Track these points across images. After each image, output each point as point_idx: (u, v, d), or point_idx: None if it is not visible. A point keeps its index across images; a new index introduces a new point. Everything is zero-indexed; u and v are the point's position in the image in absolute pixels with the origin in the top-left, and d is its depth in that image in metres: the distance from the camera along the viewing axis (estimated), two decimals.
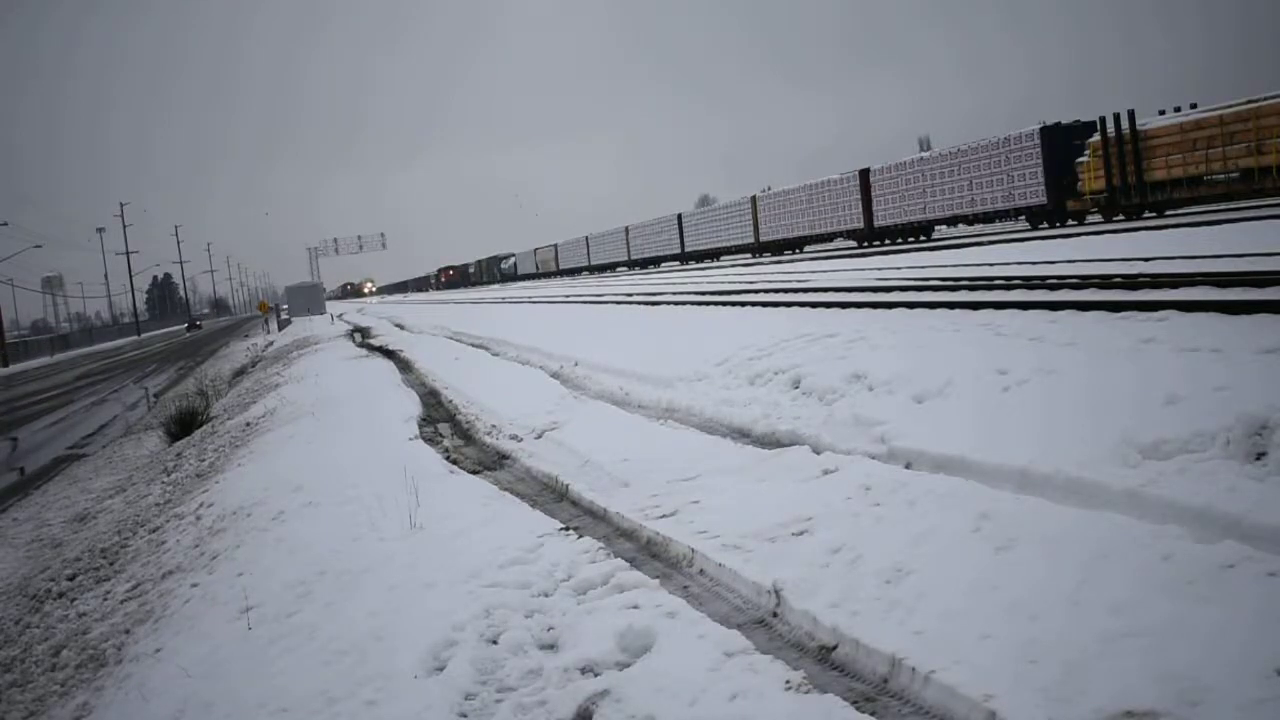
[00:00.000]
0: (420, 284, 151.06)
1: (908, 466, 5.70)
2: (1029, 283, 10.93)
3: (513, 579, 4.76)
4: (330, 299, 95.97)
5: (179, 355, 55.40)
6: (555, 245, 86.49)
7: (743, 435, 7.59)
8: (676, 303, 18.88)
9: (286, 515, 7.30)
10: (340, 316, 52.42)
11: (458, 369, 15.23)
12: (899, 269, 18.04)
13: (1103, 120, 28.13)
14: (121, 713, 4.96)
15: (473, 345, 19.75)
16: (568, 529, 5.52)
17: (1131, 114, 27.34)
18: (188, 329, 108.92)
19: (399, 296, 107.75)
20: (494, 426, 9.69)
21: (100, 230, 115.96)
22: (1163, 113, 27.35)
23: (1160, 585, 3.46)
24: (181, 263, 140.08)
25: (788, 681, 3.39)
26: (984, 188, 33.70)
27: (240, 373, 29.46)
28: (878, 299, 11.76)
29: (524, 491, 6.94)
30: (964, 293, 11.07)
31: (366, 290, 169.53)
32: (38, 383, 46.99)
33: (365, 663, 4.21)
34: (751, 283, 21.51)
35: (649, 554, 5.15)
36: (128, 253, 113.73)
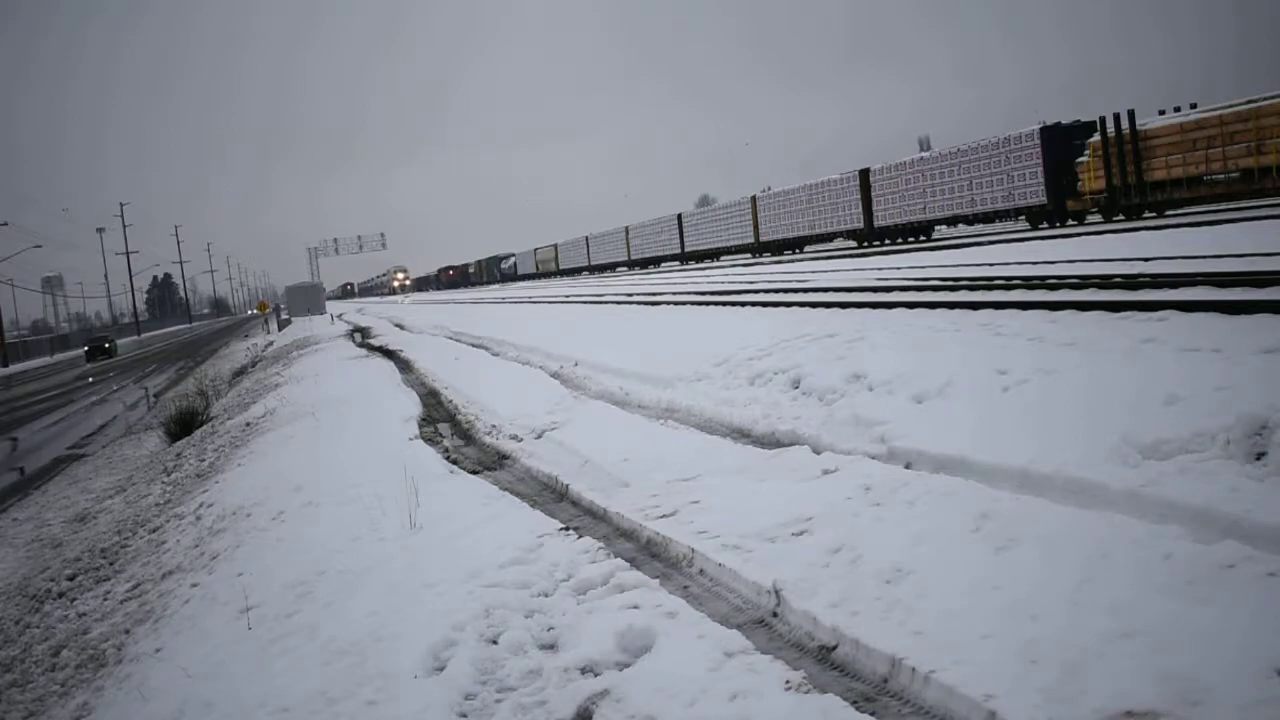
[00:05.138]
0: (421, 284, 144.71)
1: (908, 466, 5.70)
2: (1029, 283, 10.92)
3: (513, 579, 4.76)
4: (330, 299, 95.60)
5: (179, 355, 55.39)
6: (555, 245, 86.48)
7: (743, 435, 7.59)
8: (676, 303, 18.88)
9: (286, 515, 7.30)
10: (340, 316, 52.43)
11: (458, 369, 15.23)
12: (899, 269, 18.04)
13: (1103, 120, 28.12)
14: (121, 713, 4.96)
15: (473, 345, 19.75)
16: (568, 529, 5.52)
17: (1131, 114, 27.33)
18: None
19: (397, 297, 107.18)
20: (494, 426, 9.69)
21: (100, 230, 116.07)
22: (1163, 113, 27.35)
23: (1160, 585, 3.46)
24: (181, 263, 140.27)
25: (788, 681, 3.39)
26: (984, 188, 33.68)
27: (240, 373, 29.47)
28: (878, 299, 11.76)
29: (524, 491, 6.93)
30: (964, 293, 11.07)
31: (396, 284, 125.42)
32: (37, 383, 46.99)
33: (365, 663, 4.21)
34: (751, 283, 21.51)
35: (649, 554, 5.15)
36: (127, 253, 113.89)
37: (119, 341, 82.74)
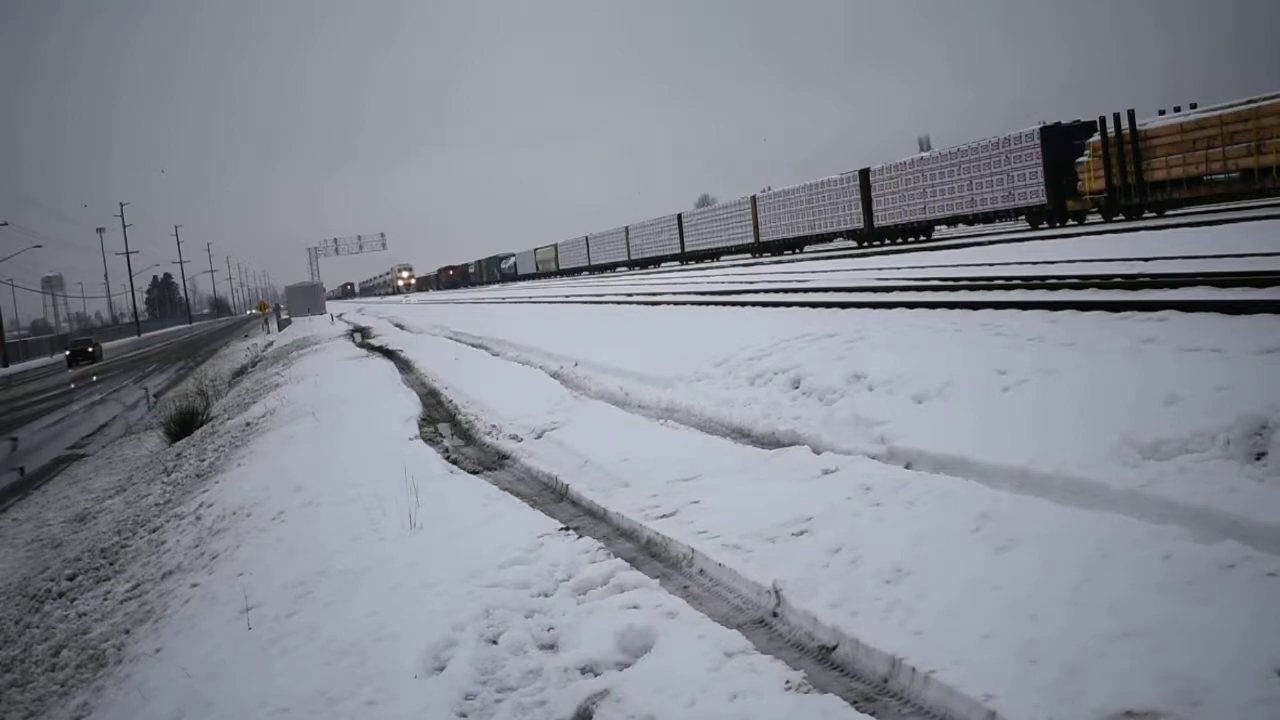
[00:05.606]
0: (421, 284, 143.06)
1: (908, 466, 5.70)
2: (1029, 283, 10.92)
3: (513, 579, 4.76)
4: (330, 299, 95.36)
5: (178, 356, 55.37)
6: (555, 245, 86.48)
7: (743, 435, 7.59)
8: (676, 303, 18.88)
9: (286, 515, 7.30)
10: (340, 317, 52.44)
11: (458, 369, 15.23)
12: (899, 269, 18.04)
13: (1103, 120, 28.12)
14: (121, 713, 4.96)
15: (472, 345, 19.75)
16: (568, 529, 5.52)
17: (1131, 114, 27.34)
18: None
19: (400, 297, 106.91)
20: (494, 426, 9.69)
21: (100, 230, 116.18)
22: (1163, 113, 27.35)
23: (1160, 585, 3.46)
24: (181, 263, 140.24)
25: (787, 681, 3.39)
26: (984, 188, 33.69)
27: (240, 373, 29.47)
28: (878, 299, 11.76)
29: (524, 491, 6.94)
30: (964, 293, 11.07)
31: (401, 283, 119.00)
32: (37, 383, 46.99)
33: (365, 663, 4.21)
34: (751, 283, 21.51)
35: (649, 554, 5.15)
36: (127, 253, 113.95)
37: (117, 342, 79.79)
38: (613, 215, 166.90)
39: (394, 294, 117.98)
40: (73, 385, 41.52)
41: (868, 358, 7.89)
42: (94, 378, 44.37)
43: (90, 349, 61.26)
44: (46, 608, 8.30)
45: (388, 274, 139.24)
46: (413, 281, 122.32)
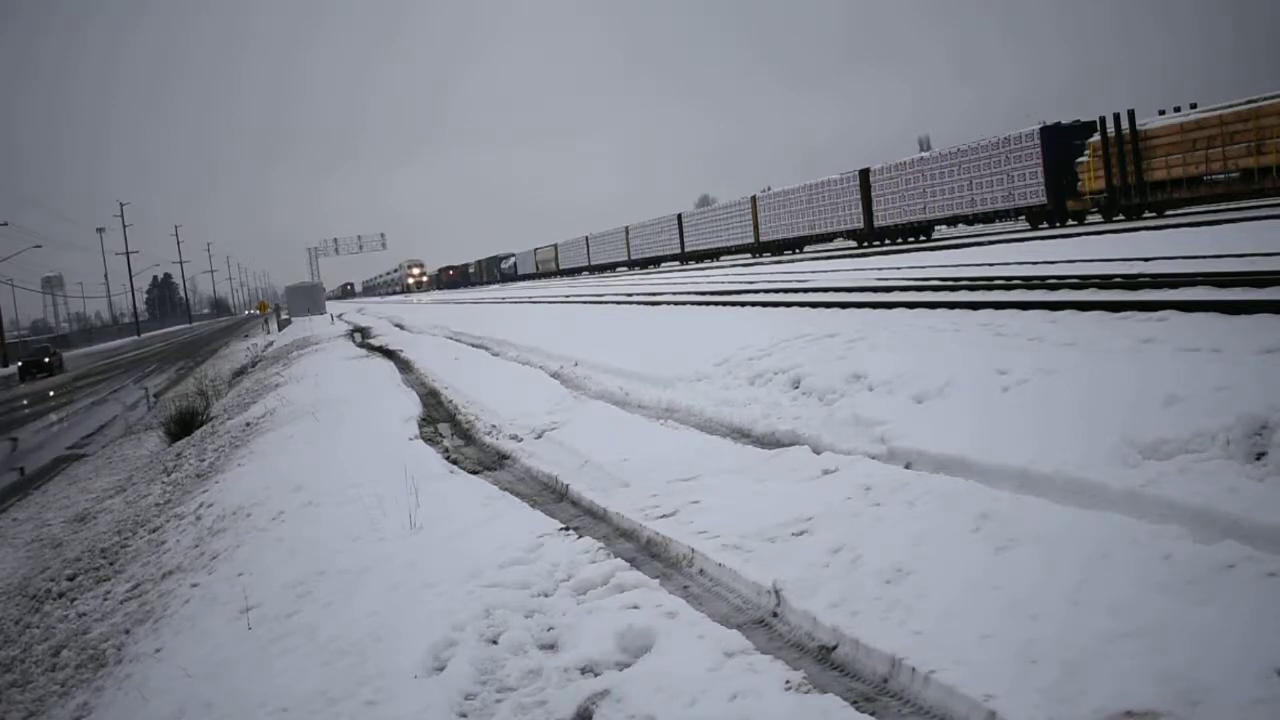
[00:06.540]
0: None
1: (908, 466, 5.70)
2: (1029, 283, 10.92)
3: (513, 579, 4.76)
4: (330, 299, 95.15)
5: (178, 356, 55.32)
6: (555, 245, 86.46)
7: (743, 435, 7.59)
8: (676, 303, 18.88)
9: (286, 515, 7.30)
10: (340, 317, 52.44)
11: (458, 369, 15.23)
12: (899, 269, 18.03)
13: (1103, 120, 28.11)
14: (121, 713, 4.96)
15: (472, 345, 19.75)
16: (568, 529, 5.52)
17: (1131, 114, 27.33)
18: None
19: (400, 297, 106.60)
20: (494, 426, 9.69)
21: (100, 230, 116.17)
22: (1163, 113, 27.34)
23: (1160, 585, 3.46)
24: (181, 263, 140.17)
25: (787, 681, 3.39)
26: (984, 188, 33.67)
27: (240, 373, 29.46)
28: (878, 299, 11.76)
29: (524, 491, 6.94)
30: (964, 293, 11.07)
31: (411, 280, 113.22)
32: (37, 383, 46.97)
33: (365, 663, 4.21)
34: (751, 283, 21.50)
35: (649, 554, 5.15)
36: (127, 253, 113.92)
37: (117, 341, 78.14)
38: (613, 215, 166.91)
39: (403, 293, 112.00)
40: (73, 383, 41.51)
41: (868, 358, 7.89)
42: (50, 392, 38.26)
43: (48, 359, 52.29)
44: (46, 608, 8.30)
45: (394, 271, 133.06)
46: (424, 279, 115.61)
